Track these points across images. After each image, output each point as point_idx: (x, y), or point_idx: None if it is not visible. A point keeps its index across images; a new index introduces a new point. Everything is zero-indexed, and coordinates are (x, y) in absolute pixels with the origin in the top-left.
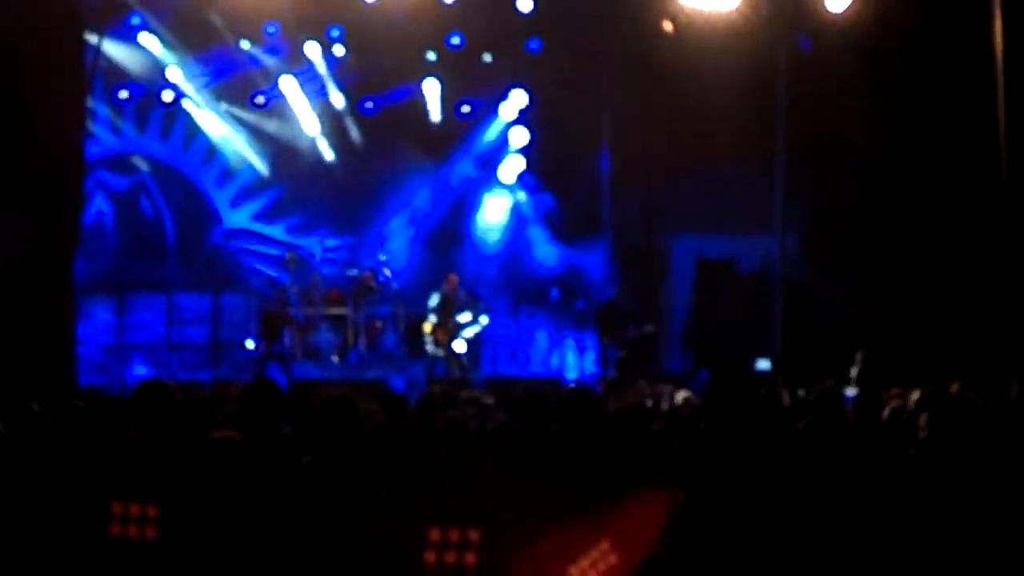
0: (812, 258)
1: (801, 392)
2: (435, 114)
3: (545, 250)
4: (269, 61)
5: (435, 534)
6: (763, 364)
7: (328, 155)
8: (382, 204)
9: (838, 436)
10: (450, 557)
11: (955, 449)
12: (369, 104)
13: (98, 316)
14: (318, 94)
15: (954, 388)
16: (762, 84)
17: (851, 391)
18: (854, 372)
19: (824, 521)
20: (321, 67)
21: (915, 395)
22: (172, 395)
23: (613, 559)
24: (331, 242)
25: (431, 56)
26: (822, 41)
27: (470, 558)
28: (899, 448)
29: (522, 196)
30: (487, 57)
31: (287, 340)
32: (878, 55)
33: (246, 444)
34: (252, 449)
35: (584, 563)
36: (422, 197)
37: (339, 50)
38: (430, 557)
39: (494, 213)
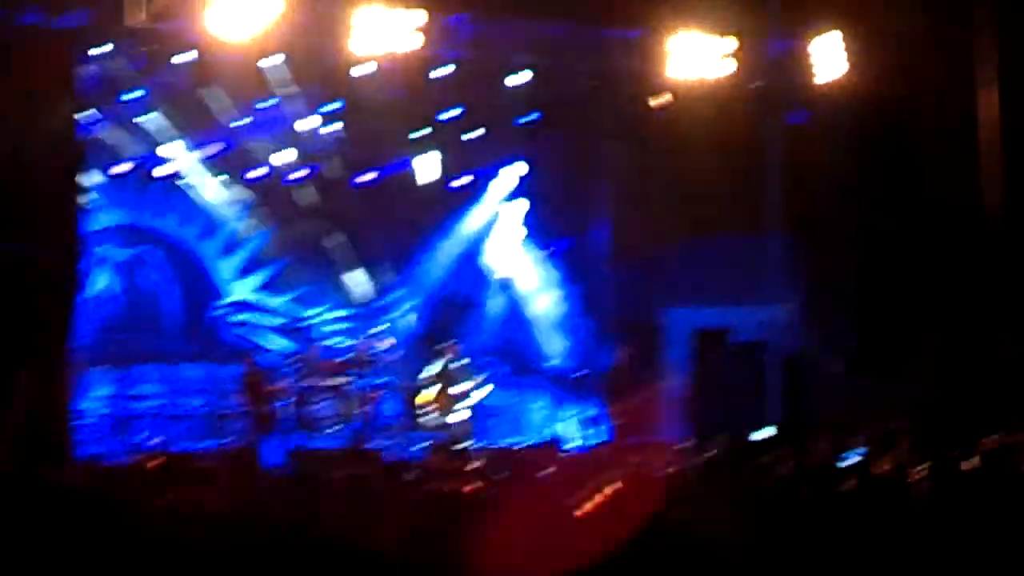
0: (809, 328)
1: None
2: (432, 186)
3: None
4: (267, 135)
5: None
6: (761, 435)
7: (326, 228)
8: (382, 275)
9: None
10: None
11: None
12: (366, 177)
13: (98, 387)
14: (315, 167)
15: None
16: (755, 155)
17: (855, 455)
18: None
19: None
20: (318, 141)
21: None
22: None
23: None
24: (336, 313)
25: (427, 130)
26: (814, 111)
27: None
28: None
29: (519, 266)
30: (479, 132)
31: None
32: (869, 124)
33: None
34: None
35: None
36: (422, 268)
37: (334, 128)
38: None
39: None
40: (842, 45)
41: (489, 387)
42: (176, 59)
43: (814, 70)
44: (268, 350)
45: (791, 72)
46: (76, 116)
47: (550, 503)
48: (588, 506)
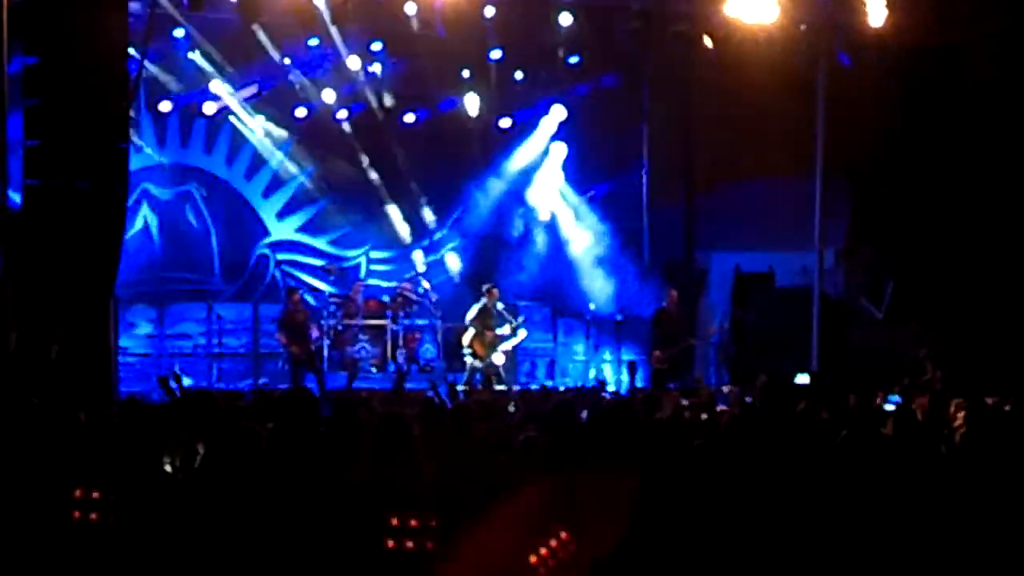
0: (850, 274)
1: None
2: (476, 126)
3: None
4: (311, 74)
5: (394, 520)
6: (801, 379)
7: (369, 167)
8: (424, 215)
9: (876, 449)
10: (408, 543)
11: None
12: (410, 117)
13: (140, 326)
14: (359, 107)
15: (989, 401)
16: (801, 98)
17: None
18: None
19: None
20: (362, 80)
21: (952, 407)
22: (217, 403)
23: (572, 548)
24: (376, 254)
25: (469, 72)
26: (861, 55)
27: (428, 544)
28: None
29: (561, 208)
30: (520, 74)
31: (317, 343)
32: (917, 69)
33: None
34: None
35: (543, 552)
36: (463, 210)
37: (377, 68)
38: (389, 543)
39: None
40: None
41: (524, 332)
42: None
43: (862, 13)
44: (308, 290)
45: (839, 15)
46: (125, 51)
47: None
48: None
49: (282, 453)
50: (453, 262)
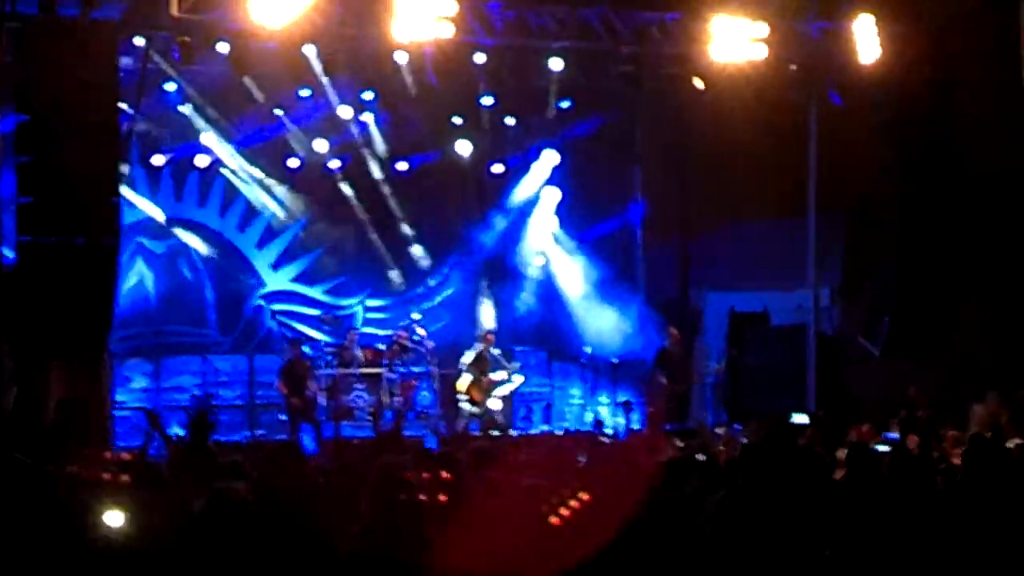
0: (846, 312)
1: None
2: (469, 173)
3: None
4: (303, 125)
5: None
6: (799, 418)
7: (363, 216)
8: (418, 263)
9: (874, 487)
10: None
11: (987, 493)
12: (403, 165)
13: (135, 380)
14: (352, 157)
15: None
16: (793, 137)
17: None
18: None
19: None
20: (354, 130)
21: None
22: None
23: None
24: (372, 302)
25: (461, 118)
26: (853, 93)
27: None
28: (931, 493)
29: (555, 253)
30: (511, 120)
31: (314, 394)
32: (909, 105)
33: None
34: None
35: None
36: (457, 256)
37: (370, 117)
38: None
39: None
40: (881, 27)
41: (521, 377)
42: (212, 49)
43: (853, 52)
44: (305, 340)
45: (830, 54)
46: (116, 106)
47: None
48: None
49: (270, 505)
50: (447, 309)
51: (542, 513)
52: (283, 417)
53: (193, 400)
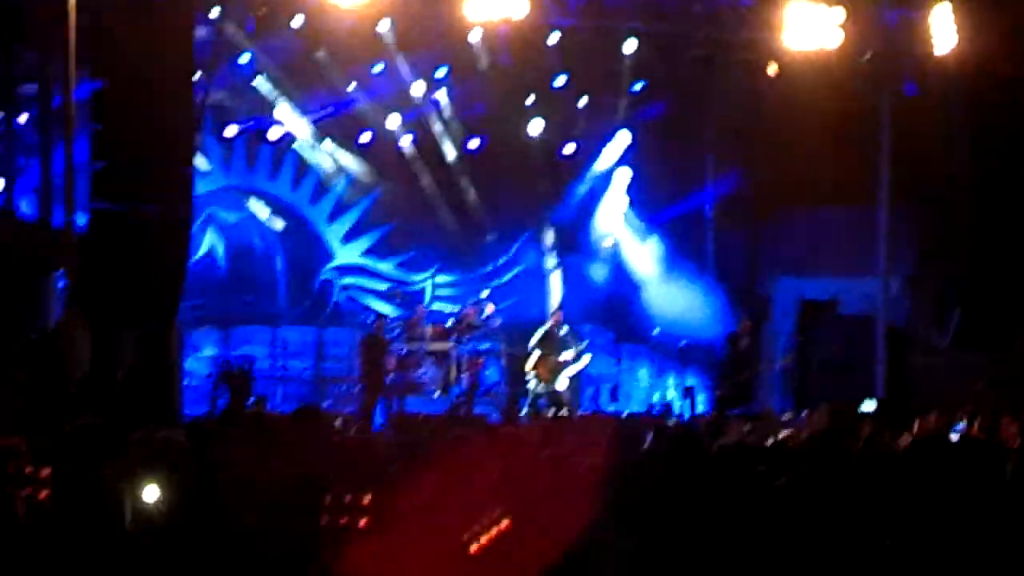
0: (916, 301)
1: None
2: (541, 152)
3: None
4: (375, 101)
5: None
6: (868, 406)
7: (433, 192)
8: (488, 242)
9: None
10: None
11: None
12: (474, 143)
13: (204, 349)
14: (424, 133)
15: None
16: (866, 125)
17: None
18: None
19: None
20: (427, 107)
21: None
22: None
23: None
24: (442, 278)
25: (533, 97)
26: (927, 83)
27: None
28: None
29: (625, 234)
30: (584, 100)
31: (389, 369)
32: (985, 97)
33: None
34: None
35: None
36: (528, 235)
37: (442, 94)
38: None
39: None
40: (958, 16)
41: (588, 357)
42: (287, 22)
43: (928, 41)
44: (374, 314)
45: (905, 43)
46: (191, 76)
47: None
48: None
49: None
50: (517, 286)
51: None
52: (352, 389)
53: (225, 366)
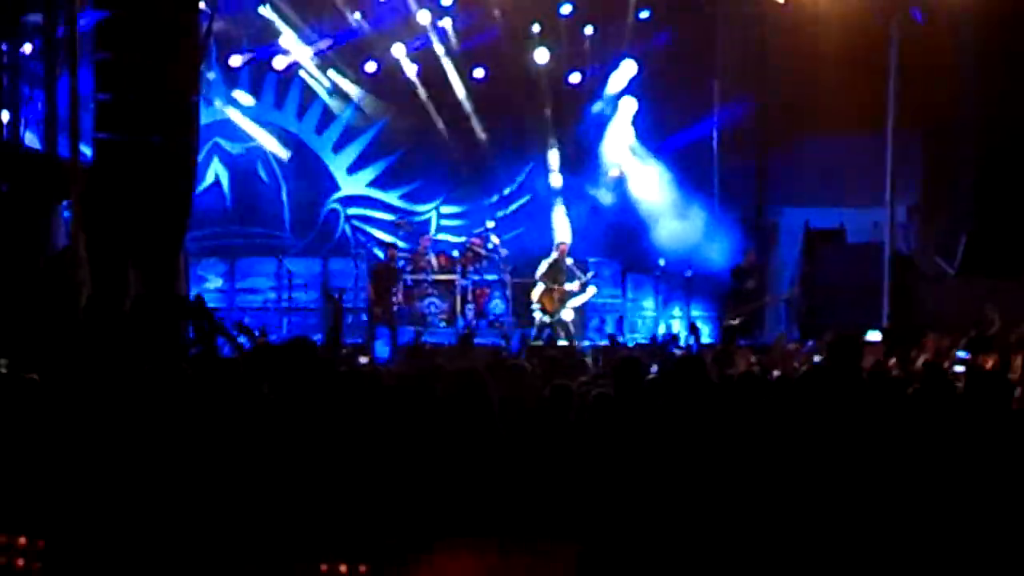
0: (922, 229)
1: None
2: (545, 82)
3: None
4: (381, 29)
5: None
6: (872, 336)
7: (439, 122)
8: (494, 172)
9: (946, 403)
10: None
11: None
12: (479, 72)
13: (210, 280)
14: (428, 61)
15: None
16: (873, 53)
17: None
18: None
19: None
20: (432, 35)
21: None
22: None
23: None
24: (447, 209)
25: (539, 26)
26: (935, 11)
27: None
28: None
29: (632, 164)
30: (590, 29)
31: (398, 300)
32: (991, 24)
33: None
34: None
35: None
36: (534, 165)
37: (448, 22)
38: None
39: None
40: None
41: (594, 288)
42: None
43: None
44: (379, 245)
45: None
46: (195, 5)
47: None
48: None
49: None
50: (522, 218)
51: None
52: (359, 319)
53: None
